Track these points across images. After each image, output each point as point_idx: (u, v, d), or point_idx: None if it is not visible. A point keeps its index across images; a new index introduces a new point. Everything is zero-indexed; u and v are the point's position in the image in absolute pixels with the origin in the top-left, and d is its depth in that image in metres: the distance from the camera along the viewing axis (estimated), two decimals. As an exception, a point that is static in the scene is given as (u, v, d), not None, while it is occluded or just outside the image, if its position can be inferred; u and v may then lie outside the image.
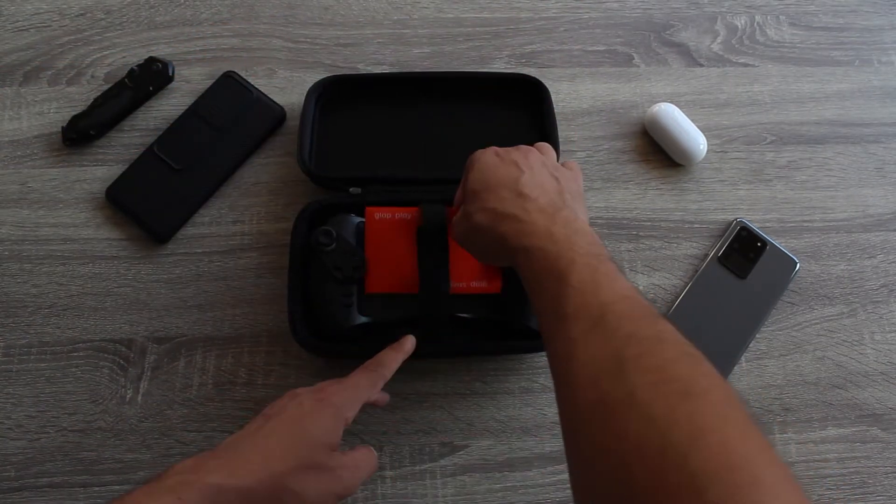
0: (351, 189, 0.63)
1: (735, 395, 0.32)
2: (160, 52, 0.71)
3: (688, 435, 0.29)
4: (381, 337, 0.58)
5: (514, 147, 0.51)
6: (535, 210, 0.45)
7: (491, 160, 0.49)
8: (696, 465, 0.28)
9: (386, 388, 0.60)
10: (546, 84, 0.68)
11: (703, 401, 0.31)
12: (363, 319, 0.58)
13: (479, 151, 0.51)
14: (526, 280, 0.44)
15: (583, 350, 0.36)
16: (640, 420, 0.31)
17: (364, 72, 0.72)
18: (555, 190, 0.47)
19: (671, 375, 0.32)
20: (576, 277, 0.39)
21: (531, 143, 0.53)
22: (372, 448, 0.48)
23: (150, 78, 0.69)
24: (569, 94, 0.72)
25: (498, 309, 0.59)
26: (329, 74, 0.68)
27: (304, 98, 0.67)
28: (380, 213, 0.55)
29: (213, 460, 0.41)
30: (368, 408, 0.60)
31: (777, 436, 0.61)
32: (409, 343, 0.54)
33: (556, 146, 0.65)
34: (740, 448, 0.29)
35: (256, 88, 0.69)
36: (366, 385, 0.49)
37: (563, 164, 0.52)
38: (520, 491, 0.58)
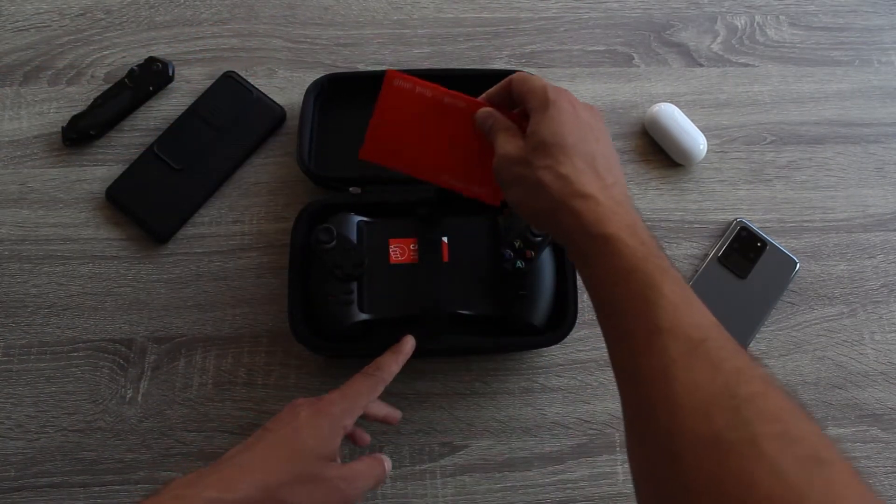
0: (351, 189, 0.63)
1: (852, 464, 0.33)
2: (160, 52, 0.71)
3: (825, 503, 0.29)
4: (382, 335, 0.58)
5: (584, 103, 0.46)
6: (613, 201, 0.41)
7: (567, 109, 0.44)
8: None
9: (386, 387, 0.61)
10: (546, 84, 0.68)
11: (834, 470, 0.31)
12: (363, 317, 0.58)
13: (553, 88, 0.45)
14: (594, 269, 0.40)
15: (685, 374, 0.34)
16: (772, 475, 0.30)
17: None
18: (624, 181, 0.45)
19: (795, 434, 0.32)
20: (668, 288, 0.37)
21: None
22: (382, 456, 0.48)
23: (150, 78, 0.69)
24: (569, 94, 0.72)
25: (498, 306, 0.59)
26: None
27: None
28: (400, 81, 0.51)
29: (211, 475, 0.41)
30: (368, 408, 0.60)
31: (777, 436, 0.61)
32: (408, 345, 0.54)
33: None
34: None
35: (256, 88, 0.69)
36: (365, 391, 0.49)
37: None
38: (520, 491, 0.58)
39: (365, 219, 0.61)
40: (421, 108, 0.51)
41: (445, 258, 0.59)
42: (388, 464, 0.49)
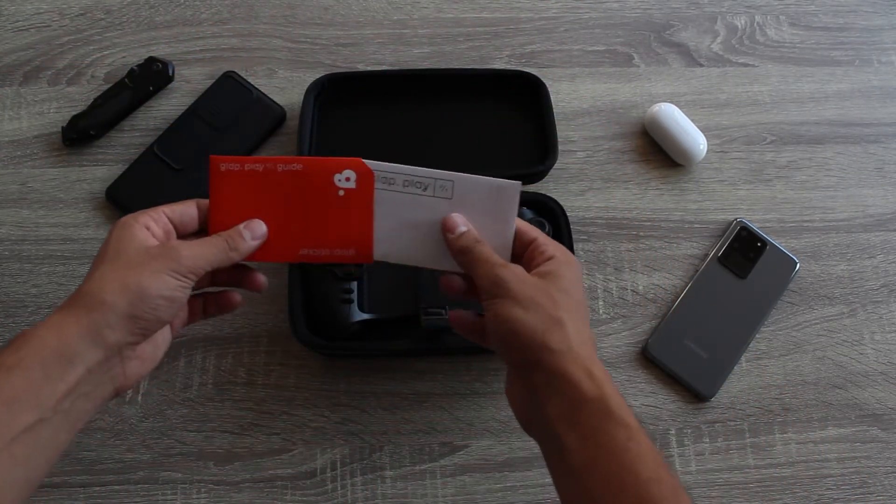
0: (351, 189, 0.63)
1: None
2: (160, 52, 0.71)
3: None
4: (383, 333, 0.58)
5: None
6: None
7: (581, 278, 0.45)
8: None
9: (386, 387, 0.61)
10: (546, 84, 0.68)
11: None
12: (363, 316, 0.58)
13: (570, 255, 0.45)
14: (595, 457, 0.38)
15: None
16: None
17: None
18: None
19: None
20: None
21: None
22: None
23: (150, 78, 0.69)
24: (569, 94, 0.72)
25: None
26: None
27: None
28: (226, 164, 0.46)
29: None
30: (369, 409, 0.60)
31: (777, 436, 0.61)
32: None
33: (553, 143, 0.65)
34: None
35: (256, 88, 0.69)
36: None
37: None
38: (520, 491, 0.58)
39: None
40: (257, 186, 0.46)
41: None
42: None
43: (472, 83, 0.70)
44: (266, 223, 0.46)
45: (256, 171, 0.46)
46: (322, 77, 0.67)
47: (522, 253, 0.46)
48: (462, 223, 0.45)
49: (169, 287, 0.40)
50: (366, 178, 0.46)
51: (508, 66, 0.72)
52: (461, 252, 0.45)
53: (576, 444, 0.38)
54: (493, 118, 0.69)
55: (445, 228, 0.45)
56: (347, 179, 0.46)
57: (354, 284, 0.58)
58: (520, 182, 0.46)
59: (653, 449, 0.38)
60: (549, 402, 0.40)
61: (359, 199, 0.46)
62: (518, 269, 0.43)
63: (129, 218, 0.43)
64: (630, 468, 0.37)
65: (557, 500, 0.58)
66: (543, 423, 0.40)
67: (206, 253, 0.43)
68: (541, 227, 0.58)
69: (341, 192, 0.46)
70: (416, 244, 0.47)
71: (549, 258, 0.44)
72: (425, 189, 0.46)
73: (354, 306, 0.58)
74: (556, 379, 0.40)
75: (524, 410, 0.43)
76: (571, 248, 0.61)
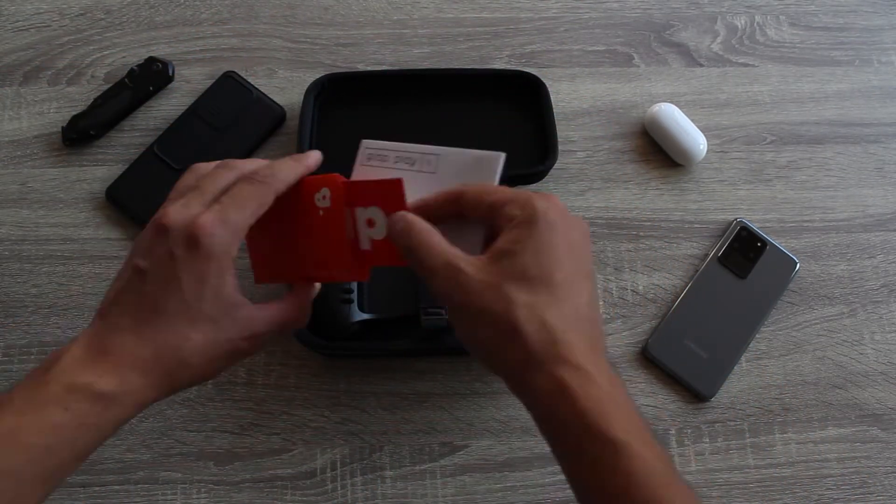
0: (351, 189, 0.63)
1: None
2: (160, 52, 0.71)
3: None
4: (383, 333, 0.58)
5: (573, 215, 0.37)
6: (608, 379, 0.34)
7: (559, 228, 0.35)
8: None
9: (386, 387, 0.61)
10: (546, 84, 0.68)
11: None
12: (364, 316, 0.58)
13: (539, 196, 0.36)
14: (592, 479, 0.34)
15: None
16: None
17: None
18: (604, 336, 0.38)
19: None
20: None
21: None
22: (301, 295, 0.44)
23: (150, 78, 0.69)
24: (569, 94, 0.72)
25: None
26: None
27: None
28: None
29: (101, 361, 0.37)
30: (369, 408, 0.60)
31: (777, 436, 0.61)
32: (312, 157, 0.43)
33: (553, 143, 0.65)
34: None
35: (256, 88, 0.69)
36: (253, 206, 0.38)
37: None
38: (520, 491, 0.58)
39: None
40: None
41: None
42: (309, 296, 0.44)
43: (472, 83, 0.70)
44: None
45: None
46: (322, 77, 0.67)
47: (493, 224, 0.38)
48: (393, 222, 0.38)
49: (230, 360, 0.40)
50: (338, 193, 0.43)
51: (508, 66, 0.73)
52: (403, 250, 0.38)
53: (563, 463, 0.37)
54: (493, 118, 0.69)
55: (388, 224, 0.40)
56: (324, 198, 0.43)
57: (354, 284, 0.58)
58: (503, 153, 0.42)
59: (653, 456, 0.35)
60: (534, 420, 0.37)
61: (334, 217, 0.43)
62: (463, 267, 0.35)
63: (225, 245, 0.37)
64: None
65: (557, 500, 0.58)
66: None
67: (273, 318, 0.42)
68: None
69: (321, 213, 0.44)
70: None
71: (509, 221, 0.35)
72: (413, 164, 0.44)
73: (354, 306, 0.58)
74: (527, 396, 0.36)
75: None
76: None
